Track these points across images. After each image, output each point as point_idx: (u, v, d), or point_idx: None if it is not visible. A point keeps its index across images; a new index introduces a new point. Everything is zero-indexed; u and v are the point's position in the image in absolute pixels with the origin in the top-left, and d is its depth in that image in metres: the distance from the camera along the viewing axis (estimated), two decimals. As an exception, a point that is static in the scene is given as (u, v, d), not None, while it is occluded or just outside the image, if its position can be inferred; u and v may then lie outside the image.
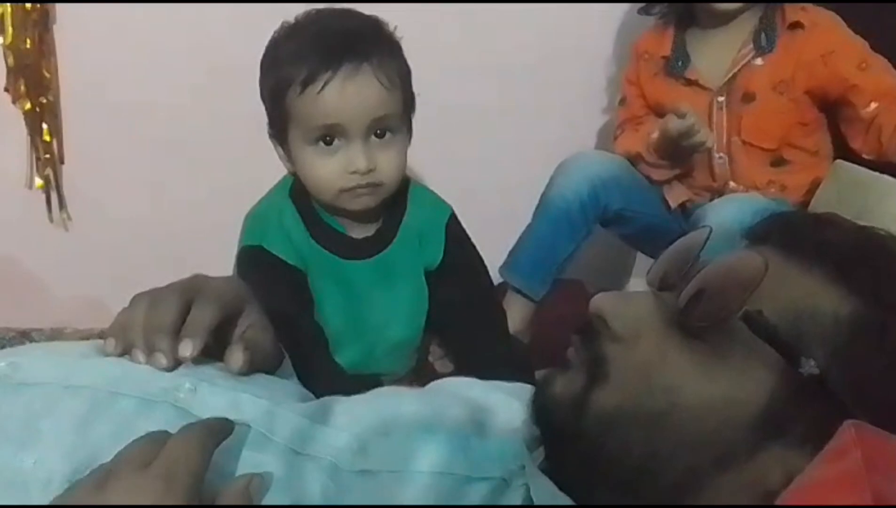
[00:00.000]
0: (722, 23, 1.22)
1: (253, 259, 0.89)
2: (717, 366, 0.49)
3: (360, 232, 0.92)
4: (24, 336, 1.48)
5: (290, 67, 0.82)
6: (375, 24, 0.86)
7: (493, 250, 1.31)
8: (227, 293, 0.58)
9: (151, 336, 0.53)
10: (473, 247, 1.00)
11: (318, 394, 0.65)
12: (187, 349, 0.53)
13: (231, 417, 0.50)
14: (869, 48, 1.16)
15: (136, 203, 1.45)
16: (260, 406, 0.53)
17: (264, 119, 0.89)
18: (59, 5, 1.35)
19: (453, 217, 0.98)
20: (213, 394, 0.52)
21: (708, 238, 0.56)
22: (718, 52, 1.23)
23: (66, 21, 1.36)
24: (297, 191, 0.92)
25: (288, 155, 0.89)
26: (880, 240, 0.54)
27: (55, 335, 1.48)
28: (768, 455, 0.47)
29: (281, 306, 0.80)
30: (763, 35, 1.20)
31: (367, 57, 0.82)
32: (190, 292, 0.56)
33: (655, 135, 1.22)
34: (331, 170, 0.84)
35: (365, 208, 0.88)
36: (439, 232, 0.97)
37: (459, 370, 0.99)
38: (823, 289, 0.50)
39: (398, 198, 0.92)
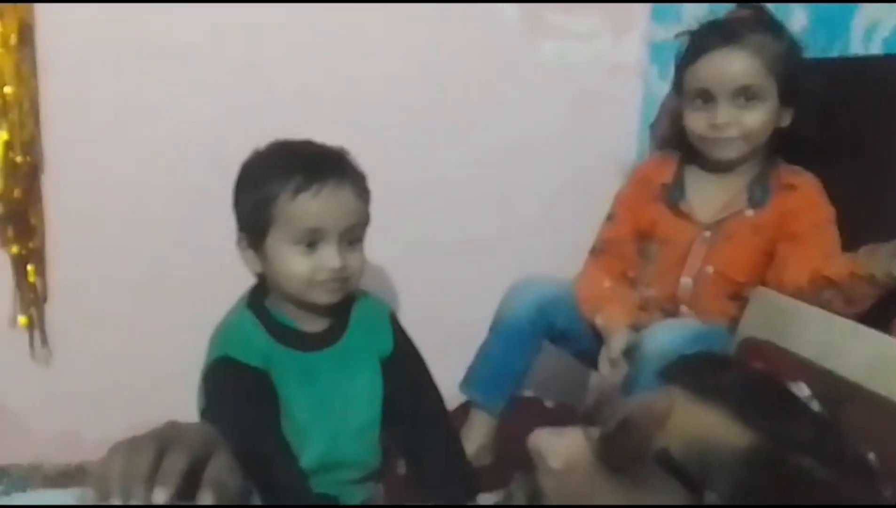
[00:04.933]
0: (720, 169, 1.32)
1: (221, 369, 1.00)
2: (635, 497, 0.56)
3: (313, 327, 1.05)
4: (2, 472, 1.50)
5: (281, 178, 0.97)
6: (346, 154, 1.03)
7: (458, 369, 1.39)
8: (198, 439, 0.63)
9: (127, 484, 0.57)
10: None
11: None
12: (161, 496, 0.57)
13: None
14: (833, 219, 1.24)
15: (116, 342, 1.51)
16: None
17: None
18: (46, 156, 1.45)
19: (393, 313, 1.15)
20: None
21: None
22: (713, 193, 1.32)
23: (54, 170, 1.46)
24: (252, 301, 1.06)
25: (261, 257, 1.02)
26: (771, 382, 0.62)
27: (32, 470, 1.51)
28: None
29: (250, 415, 0.96)
30: (758, 190, 1.28)
31: (346, 174, 1.00)
32: (164, 439, 0.60)
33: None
34: (308, 266, 0.99)
35: (331, 301, 1.02)
36: (386, 323, 1.12)
37: (408, 458, 1.13)
38: (723, 426, 0.55)
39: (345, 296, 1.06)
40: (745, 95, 1.23)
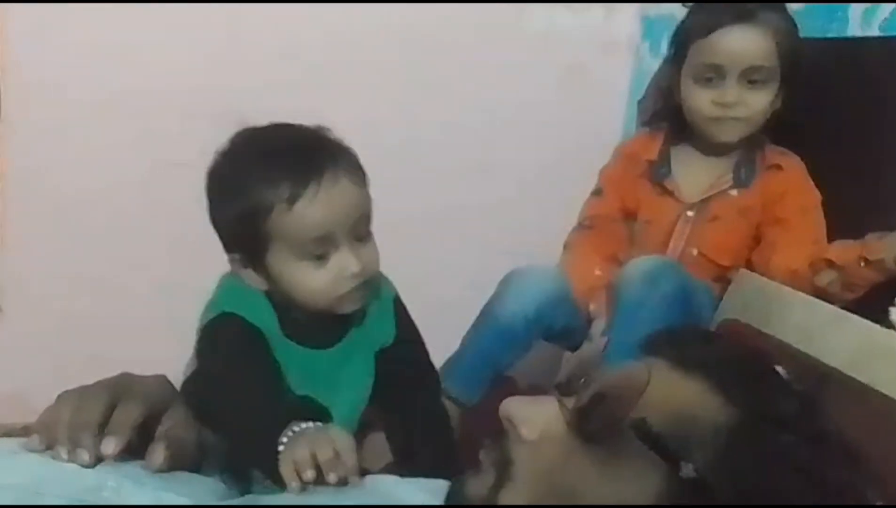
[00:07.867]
0: (712, 151, 1.30)
1: (225, 326, 0.85)
2: (610, 469, 0.53)
3: (319, 324, 0.91)
4: (-56, 430, 1.43)
5: (267, 185, 0.82)
6: (327, 132, 0.88)
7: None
8: (152, 392, 0.61)
9: (75, 433, 0.55)
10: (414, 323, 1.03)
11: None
12: (110, 446, 0.55)
13: None
14: (819, 204, 1.24)
15: (72, 301, 1.45)
16: (181, 504, 0.54)
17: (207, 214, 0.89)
18: (4, 100, 1.38)
19: (398, 296, 1.01)
20: (137, 493, 0.54)
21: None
22: (698, 172, 1.31)
23: (12, 115, 1.39)
24: None
25: (264, 275, 0.87)
26: (756, 358, 0.59)
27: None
28: None
29: (253, 383, 0.81)
30: (743, 170, 1.28)
31: (339, 163, 0.85)
32: (116, 390, 0.58)
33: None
34: (326, 280, 0.85)
35: (359, 306, 0.89)
36: (389, 311, 0.99)
37: (395, 444, 1.00)
38: (704, 399, 0.54)
39: None
40: (754, 75, 1.22)
